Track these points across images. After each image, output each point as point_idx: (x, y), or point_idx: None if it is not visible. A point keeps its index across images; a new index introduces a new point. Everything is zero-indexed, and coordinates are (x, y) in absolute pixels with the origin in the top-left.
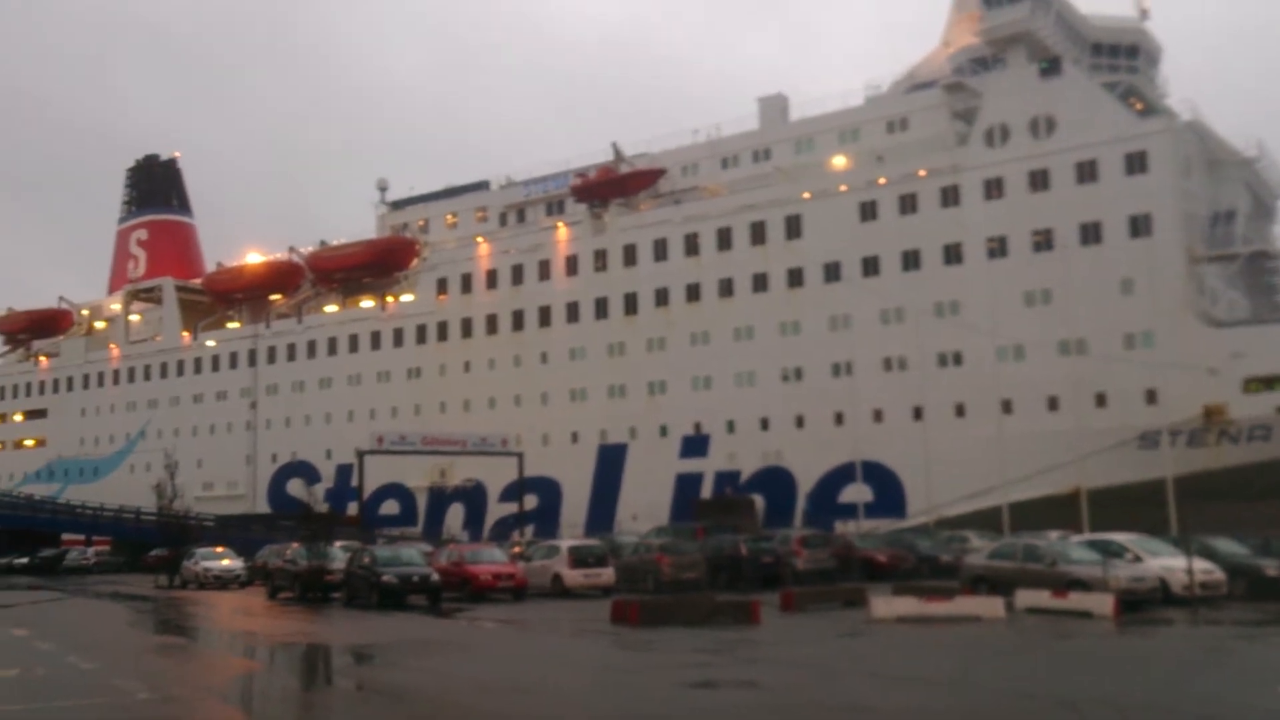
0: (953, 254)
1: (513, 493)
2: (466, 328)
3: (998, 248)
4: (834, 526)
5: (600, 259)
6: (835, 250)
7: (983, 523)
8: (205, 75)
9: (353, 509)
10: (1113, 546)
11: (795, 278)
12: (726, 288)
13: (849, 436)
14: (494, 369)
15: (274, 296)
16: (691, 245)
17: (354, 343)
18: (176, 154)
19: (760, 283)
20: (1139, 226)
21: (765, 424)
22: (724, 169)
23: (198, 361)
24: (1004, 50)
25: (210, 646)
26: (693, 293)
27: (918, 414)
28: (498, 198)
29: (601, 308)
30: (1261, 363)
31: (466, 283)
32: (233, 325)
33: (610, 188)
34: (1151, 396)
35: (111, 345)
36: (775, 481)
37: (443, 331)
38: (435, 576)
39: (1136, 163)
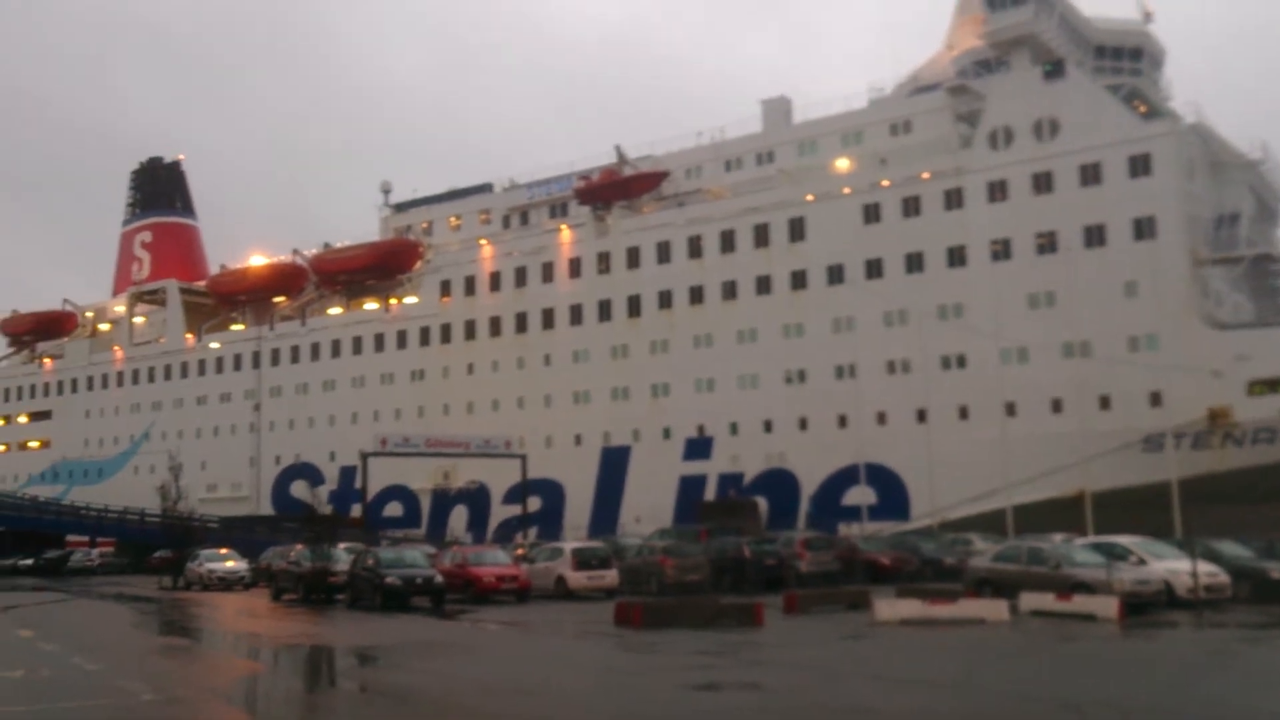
0: (956, 256)
1: (516, 495)
2: (470, 330)
3: (1001, 250)
4: (837, 529)
5: (603, 261)
6: (839, 252)
7: (987, 525)
8: (207, 76)
9: (356, 511)
10: (1117, 549)
11: (799, 280)
12: (730, 290)
13: (852, 439)
14: (497, 371)
15: (278, 299)
16: (695, 247)
17: (357, 345)
18: (180, 156)
19: (763, 285)
20: (1143, 229)
21: (768, 426)
22: (727, 171)
23: (202, 363)
24: (1008, 53)
25: (214, 648)
26: (696, 295)
27: (921, 416)
28: (501, 200)
29: (605, 310)
30: (1266, 365)
31: (470, 285)
32: (237, 327)
33: (613, 190)
34: (1156, 399)
35: (116, 347)
36: (778, 484)
37: (446, 334)
38: (439, 578)
39: (1140, 165)
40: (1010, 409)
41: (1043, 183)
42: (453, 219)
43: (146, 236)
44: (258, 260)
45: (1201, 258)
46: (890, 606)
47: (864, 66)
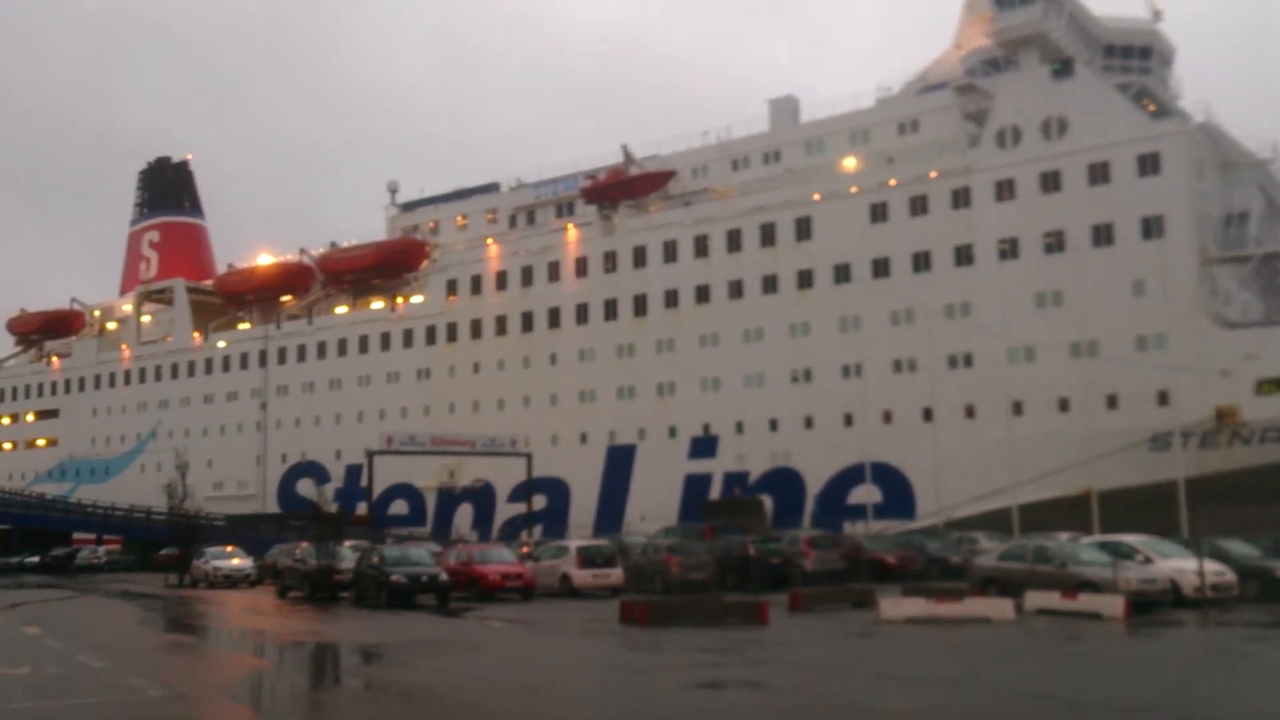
0: (964, 255)
1: (521, 493)
2: (476, 329)
3: (1009, 249)
4: (843, 528)
5: (610, 260)
6: (845, 252)
7: (992, 524)
8: (215, 77)
9: (362, 509)
10: (1123, 548)
11: (805, 279)
12: (736, 289)
13: (858, 438)
14: (503, 370)
15: (284, 298)
16: (701, 247)
17: (364, 344)
18: (188, 156)
19: (770, 284)
20: (1151, 228)
21: (774, 425)
22: (734, 170)
23: (208, 362)
24: (1016, 51)
25: (220, 645)
26: (702, 294)
27: (928, 415)
28: (507, 199)
29: (611, 309)
30: (1274, 364)
31: (476, 284)
32: (243, 326)
33: (620, 189)
34: (1163, 398)
35: (123, 346)
36: (784, 482)
37: (452, 333)
38: (444, 576)
39: (1149, 164)
40: (1017, 408)
41: (1051, 182)
42: (459, 218)
43: (154, 236)
44: (265, 259)
45: (1210, 257)
46: (895, 605)
47: (871, 66)
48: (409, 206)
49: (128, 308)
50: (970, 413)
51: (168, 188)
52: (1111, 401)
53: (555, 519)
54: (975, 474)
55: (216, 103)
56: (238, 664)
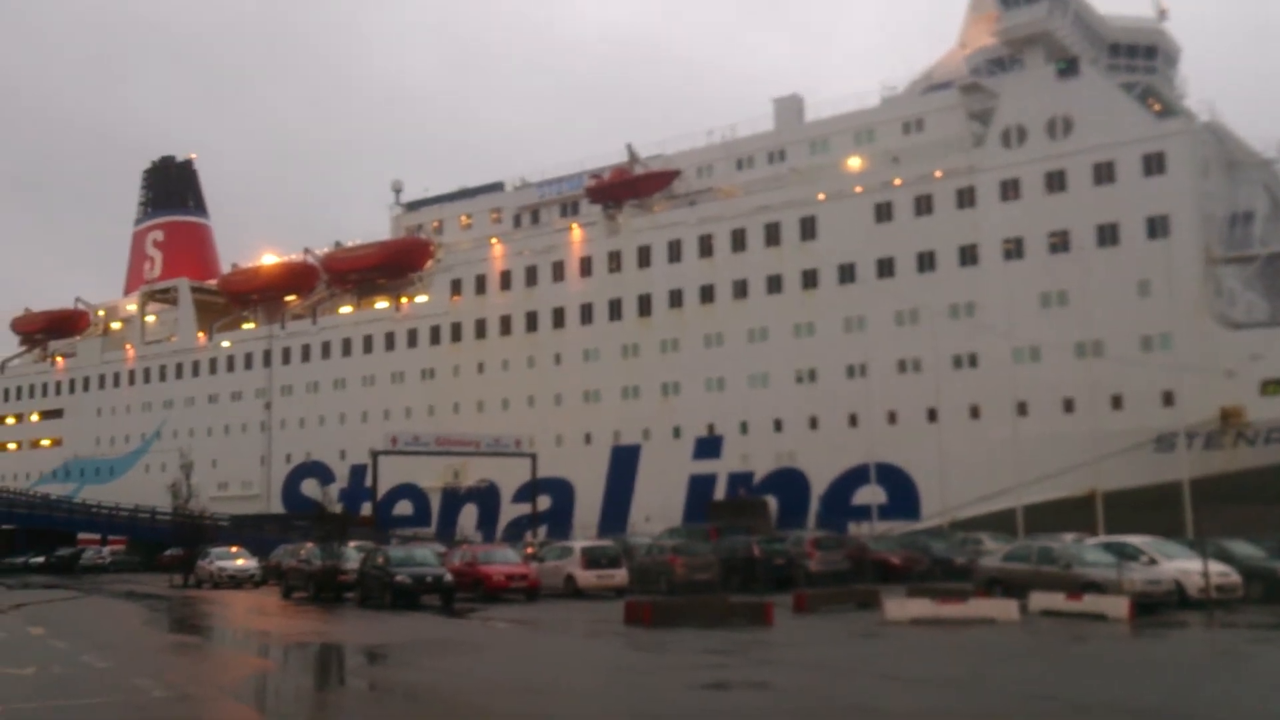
0: (968, 255)
1: (526, 493)
2: (480, 329)
3: (1014, 249)
4: (847, 528)
5: (614, 260)
6: (850, 251)
7: (997, 525)
8: (219, 77)
9: (366, 509)
10: (1128, 549)
11: (810, 279)
12: (741, 289)
13: (863, 438)
14: (508, 370)
15: (289, 297)
16: (706, 246)
17: (368, 343)
18: (192, 155)
19: (775, 284)
20: (1156, 228)
21: (779, 425)
22: (739, 170)
23: (213, 362)
24: (1021, 51)
25: (224, 645)
26: (707, 294)
27: (932, 416)
28: (512, 199)
29: (615, 309)
30: (1279, 365)
31: (481, 284)
32: (248, 326)
33: (625, 189)
34: (1168, 398)
35: (127, 346)
36: (789, 483)
37: (457, 332)
38: (448, 577)
39: (1154, 164)
40: (1022, 408)
41: (1056, 181)
42: (464, 218)
43: (158, 235)
44: (269, 259)
45: (1215, 257)
46: (900, 606)
47: (876, 65)
48: (413, 206)
49: (132, 307)
50: (975, 413)
51: (172, 187)
52: (1116, 402)
53: (560, 519)
54: (980, 475)
55: (219, 102)
56: (242, 664)
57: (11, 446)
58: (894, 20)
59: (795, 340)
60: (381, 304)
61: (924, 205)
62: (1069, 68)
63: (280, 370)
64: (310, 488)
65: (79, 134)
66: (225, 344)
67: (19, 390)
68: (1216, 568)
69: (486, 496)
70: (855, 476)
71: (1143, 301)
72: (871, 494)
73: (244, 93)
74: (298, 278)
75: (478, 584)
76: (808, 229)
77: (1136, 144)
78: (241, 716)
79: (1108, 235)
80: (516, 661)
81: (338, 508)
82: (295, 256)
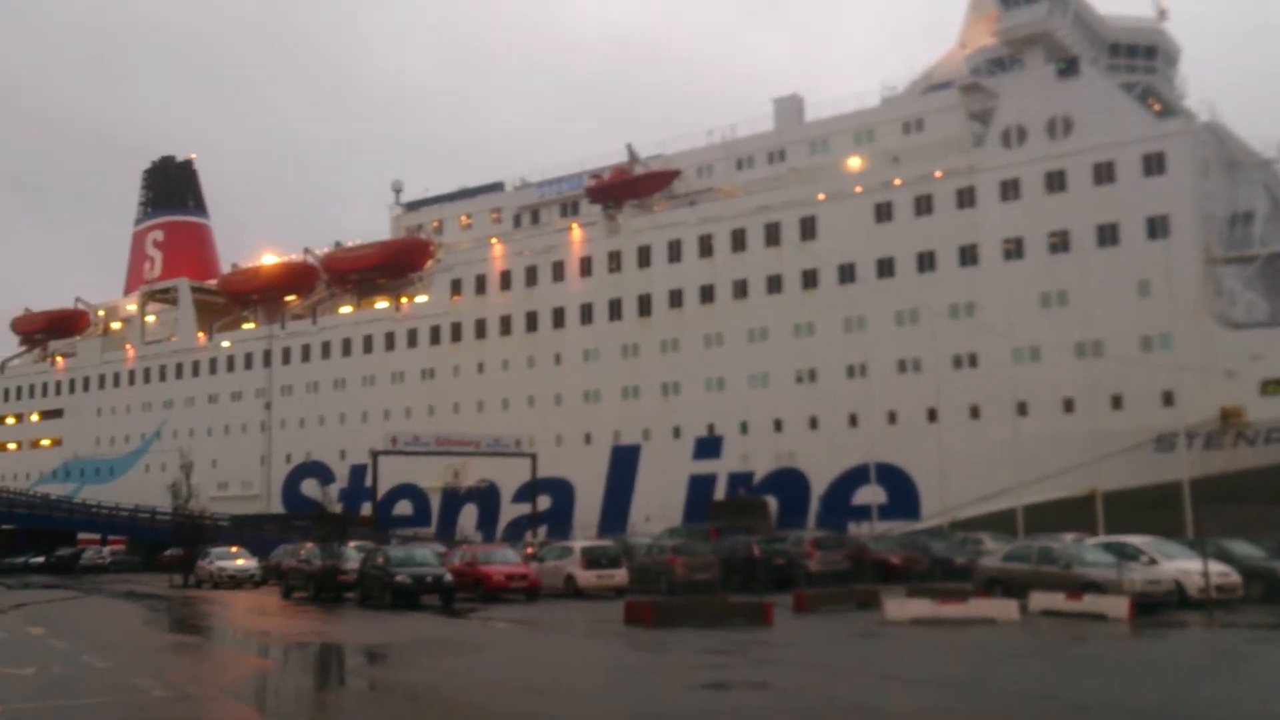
0: (968, 255)
1: (526, 493)
2: (480, 329)
3: (1014, 249)
4: (847, 528)
5: (614, 260)
6: (850, 251)
7: (997, 525)
8: (217, 77)
9: (366, 509)
10: (1128, 549)
11: (810, 279)
12: (741, 289)
13: (863, 438)
14: (508, 370)
15: (289, 297)
16: (706, 247)
17: (368, 343)
18: (192, 155)
19: (774, 284)
20: (1156, 228)
21: (779, 425)
22: (739, 170)
23: (213, 362)
24: (1021, 51)
25: (224, 645)
26: (707, 294)
27: (932, 416)
28: (512, 199)
29: (615, 309)
30: (1279, 365)
31: (481, 284)
32: (248, 326)
33: (625, 189)
34: (1168, 398)
35: (127, 346)
36: (789, 483)
37: (457, 332)
38: (448, 577)
39: (1154, 164)
40: (1022, 408)
41: (1056, 181)
42: (464, 218)
43: (158, 235)
44: (269, 259)
45: (1215, 257)
46: (900, 606)
47: (876, 65)
48: (413, 206)
49: (132, 307)
50: (975, 413)
51: (172, 187)
52: (1116, 402)
53: (560, 519)
54: (980, 475)
55: (219, 102)
56: (242, 664)
57: (11, 446)
58: (894, 20)
59: (795, 340)
60: (381, 304)
61: (924, 205)
62: (1069, 68)
63: (280, 370)
64: (310, 488)
65: (79, 134)
66: (225, 344)
67: (19, 390)
68: (1216, 568)
69: (486, 496)
70: (855, 476)
71: (1143, 301)
72: (871, 494)
73: (244, 92)
74: (298, 278)
75: (478, 584)
76: (808, 229)
77: (1136, 144)
78: (241, 716)
79: (1108, 235)
80: (516, 661)
81: (338, 508)
82: (295, 256)
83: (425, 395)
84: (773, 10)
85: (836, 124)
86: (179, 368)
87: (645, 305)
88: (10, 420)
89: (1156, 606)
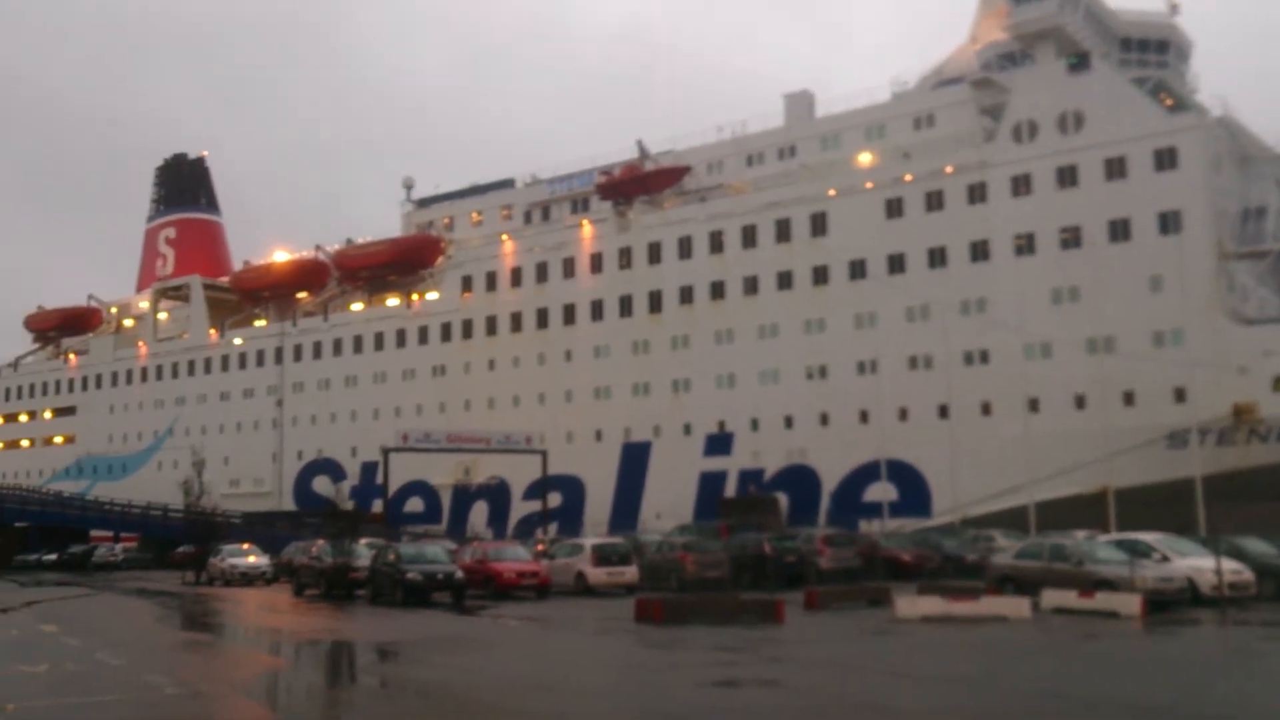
0: (980, 251)
1: (536, 490)
2: (491, 326)
3: (1025, 245)
4: (858, 525)
5: (625, 257)
6: (861, 248)
7: (1009, 522)
8: (228, 75)
9: (378, 506)
10: (1140, 546)
11: (820, 275)
12: (751, 285)
13: (874, 435)
14: (518, 367)
15: (300, 294)
16: (716, 243)
17: (379, 341)
18: (204, 153)
19: (785, 280)
20: (1168, 223)
21: (789, 422)
22: (749, 166)
23: (225, 359)
24: (1032, 45)
25: (236, 643)
26: (717, 290)
27: (943, 412)
28: (522, 195)
29: (626, 306)
30: None
31: (491, 281)
32: (259, 323)
33: (635, 185)
34: (1180, 395)
35: (140, 343)
36: (799, 480)
37: (467, 329)
38: (459, 574)
39: (1166, 159)
40: (1033, 405)
41: (1067, 176)
42: (474, 214)
43: (171, 233)
44: (281, 256)
45: (1227, 252)
46: (911, 603)
47: (888, 61)
48: (424, 203)
49: (144, 305)
50: (986, 410)
51: (184, 184)
52: (1128, 398)
53: (570, 516)
54: (991, 471)
55: (231, 100)
56: (254, 662)
57: (25, 444)
58: (906, 16)
59: (806, 336)
60: (393, 301)
61: (935, 201)
62: (1080, 63)
63: (292, 367)
64: (322, 485)
65: (92, 132)
66: (237, 341)
67: (32, 388)
68: (1229, 565)
69: (497, 493)
70: (866, 473)
71: (1155, 297)
72: (882, 491)
73: (255, 90)
74: (309, 275)
75: (488, 581)
76: (818, 225)
77: (1148, 139)
78: (253, 714)
79: (1119, 230)
80: (527, 659)
81: (349, 505)
82: (307, 254)
83: (436, 392)
84: (785, 7)
85: (847, 120)
86: (191, 365)
87: (656, 302)
88: (23, 418)
89: (1169, 604)
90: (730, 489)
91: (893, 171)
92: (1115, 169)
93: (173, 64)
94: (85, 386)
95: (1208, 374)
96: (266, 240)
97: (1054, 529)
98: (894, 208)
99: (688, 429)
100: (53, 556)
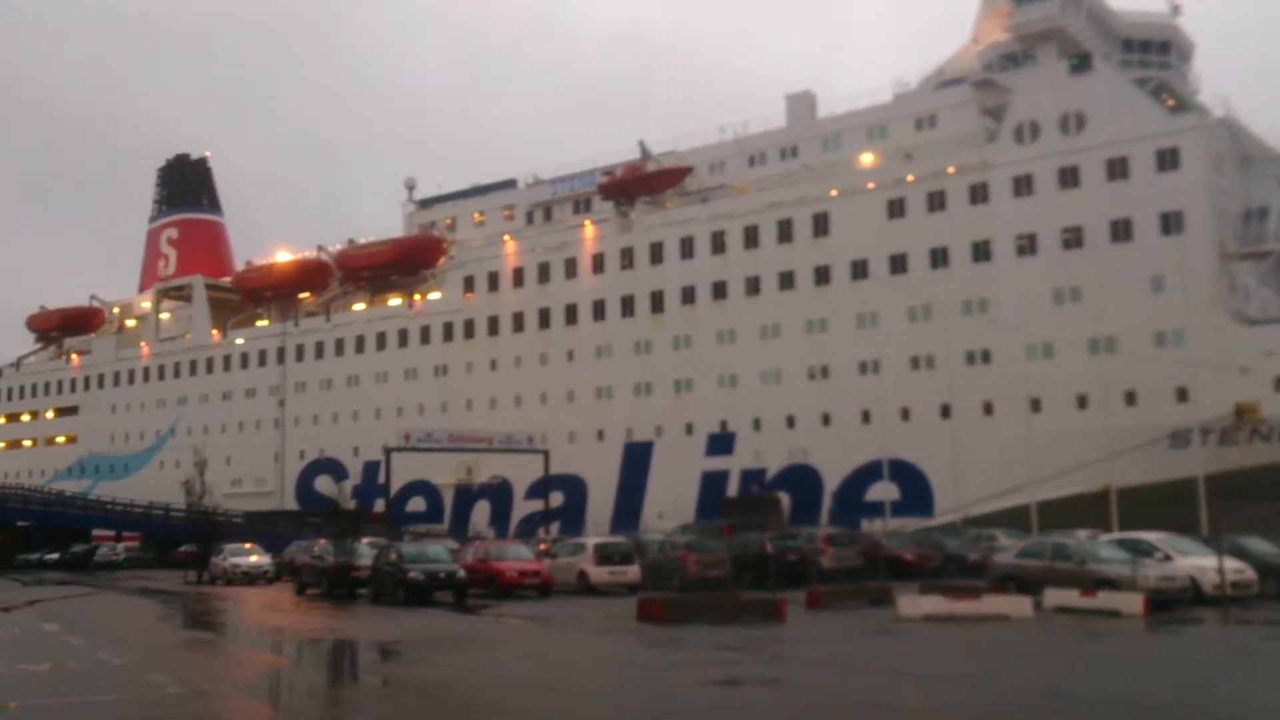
0: (981, 251)
1: (538, 490)
2: (493, 326)
3: (1027, 245)
4: (860, 525)
5: (627, 257)
6: (863, 248)
7: (1011, 521)
8: (230, 75)
9: (380, 506)
10: (1142, 545)
11: (822, 275)
12: (753, 286)
13: (876, 435)
14: (520, 367)
15: (302, 295)
16: (718, 243)
17: (381, 341)
18: (206, 153)
19: (787, 281)
20: (1170, 224)
21: (791, 422)
22: (751, 167)
23: (227, 359)
24: (1034, 46)
25: (238, 642)
26: (719, 291)
27: (945, 412)
28: (524, 196)
29: (628, 306)
30: None
31: (493, 281)
32: (262, 323)
33: (637, 186)
34: (1182, 395)
35: (142, 343)
36: (801, 480)
37: (469, 329)
38: (461, 573)
39: (1168, 159)
40: (1035, 405)
41: (1069, 177)
42: (476, 215)
43: (173, 233)
44: (283, 256)
45: (1229, 252)
46: (913, 603)
47: (890, 62)
48: (426, 203)
49: (146, 305)
50: (988, 409)
51: (186, 185)
52: (1130, 398)
53: (572, 516)
54: (993, 471)
55: (233, 100)
56: (256, 661)
57: (27, 443)
58: (907, 17)
59: (808, 336)
60: (395, 301)
61: (937, 201)
62: (1082, 63)
63: (294, 367)
64: (324, 484)
65: (94, 132)
66: (239, 341)
67: (34, 387)
68: (1232, 564)
69: (499, 493)
70: (868, 473)
71: (1156, 297)
72: (884, 490)
73: (257, 90)
74: (311, 275)
75: (490, 580)
76: (820, 225)
77: (1150, 139)
78: (256, 713)
79: (1121, 231)
80: (529, 658)
81: (351, 504)
82: (309, 254)
83: (438, 392)
84: (785, 7)
85: (849, 120)
86: (193, 365)
87: (658, 302)
88: (26, 417)
89: (1171, 603)
90: (732, 488)
91: (894, 172)
92: (1117, 169)
93: (173, 64)
94: (87, 386)
95: (1210, 374)
96: (268, 240)
97: (1056, 528)
98: (896, 208)
99: (690, 429)
100: (55, 556)
